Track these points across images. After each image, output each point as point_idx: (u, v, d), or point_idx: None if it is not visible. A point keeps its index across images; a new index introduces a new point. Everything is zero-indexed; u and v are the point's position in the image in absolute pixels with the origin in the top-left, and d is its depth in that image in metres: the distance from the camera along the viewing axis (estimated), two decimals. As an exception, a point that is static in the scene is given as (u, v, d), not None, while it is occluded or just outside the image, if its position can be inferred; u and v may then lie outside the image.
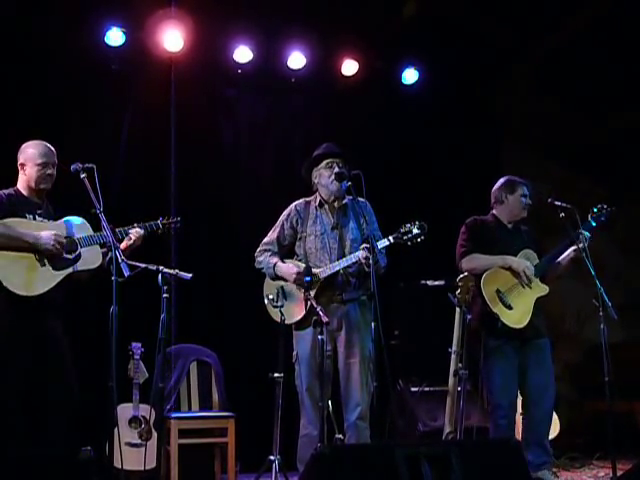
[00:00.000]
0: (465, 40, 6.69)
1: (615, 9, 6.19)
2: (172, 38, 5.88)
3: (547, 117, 7.33)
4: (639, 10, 6.09)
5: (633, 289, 7.16)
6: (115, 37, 5.81)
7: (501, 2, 6.47)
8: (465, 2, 6.65)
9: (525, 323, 4.66)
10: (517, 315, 4.66)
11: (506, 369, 4.70)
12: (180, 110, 6.03)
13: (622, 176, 7.16)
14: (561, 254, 4.80)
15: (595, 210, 4.89)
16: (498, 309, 4.63)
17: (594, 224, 4.86)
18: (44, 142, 4.21)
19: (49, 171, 4.15)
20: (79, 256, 4.09)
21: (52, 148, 4.21)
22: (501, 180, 4.98)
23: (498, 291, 4.69)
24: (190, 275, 4.42)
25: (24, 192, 4.18)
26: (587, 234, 4.78)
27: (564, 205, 4.75)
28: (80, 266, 4.09)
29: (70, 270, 4.07)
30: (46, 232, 4.00)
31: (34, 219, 4.10)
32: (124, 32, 5.81)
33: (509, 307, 4.67)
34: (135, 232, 4.24)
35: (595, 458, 5.93)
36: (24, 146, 4.21)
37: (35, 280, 3.97)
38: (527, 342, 4.73)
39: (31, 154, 4.16)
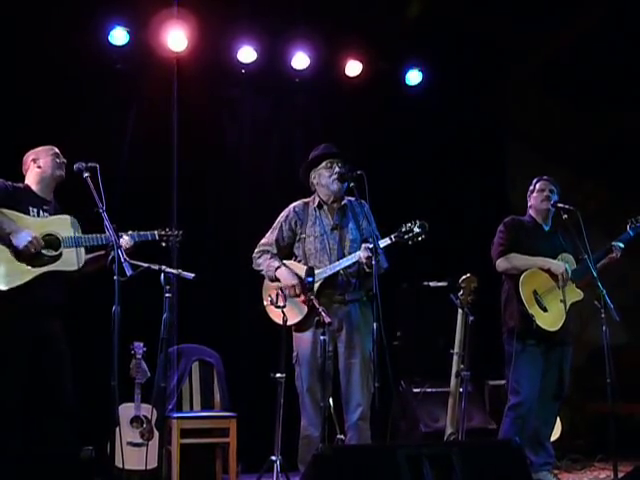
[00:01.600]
0: (468, 41, 6.69)
1: (616, 10, 6.19)
2: (176, 38, 5.89)
3: (549, 118, 7.32)
4: (639, 10, 6.09)
5: (636, 291, 7.14)
6: (119, 37, 5.82)
7: (504, 3, 6.46)
8: (468, 3, 6.65)
9: (558, 327, 4.66)
10: (551, 318, 4.67)
11: (532, 371, 4.71)
12: (183, 110, 6.02)
13: (622, 176, 7.15)
14: (598, 262, 4.76)
15: (634, 220, 4.85)
16: (534, 310, 4.63)
17: (632, 234, 4.82)
18: None
19: (61, 159, 4.26)
20: (60, 255, 4.04)
21: None
22: None
23: (535, 292, 4.68)
24: (193, 275, 4.42)
25: (34, 187, 4.22)
26: (621, 245, 4.76)
27: (567, 207, 4.75)
28: (58, 266, 4.02)
29: (46, 269, 3.98)
30: (27, 230, 3.96)
31: (38, 214, 4.11)
32: (128, 32, 5.82)
33: (544, 309, 4.67)
34: (124, 242, 4.16)
35: (596, 460, 5.90)
36: (30, 152, 4.29)
37: (6, 274, 3.90)
38: (553, 347, 4.75)
39: (42, 149, 4.29)
